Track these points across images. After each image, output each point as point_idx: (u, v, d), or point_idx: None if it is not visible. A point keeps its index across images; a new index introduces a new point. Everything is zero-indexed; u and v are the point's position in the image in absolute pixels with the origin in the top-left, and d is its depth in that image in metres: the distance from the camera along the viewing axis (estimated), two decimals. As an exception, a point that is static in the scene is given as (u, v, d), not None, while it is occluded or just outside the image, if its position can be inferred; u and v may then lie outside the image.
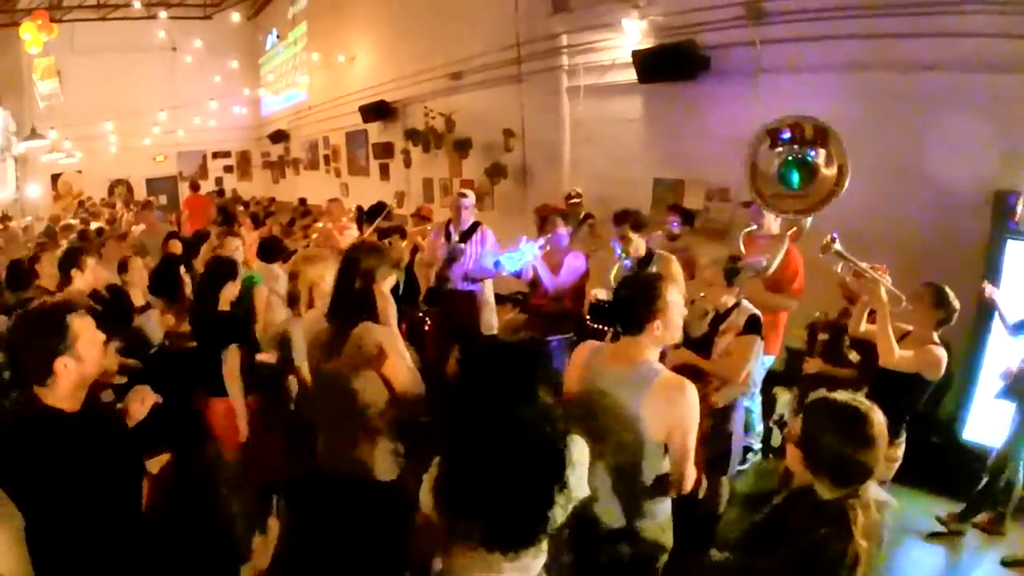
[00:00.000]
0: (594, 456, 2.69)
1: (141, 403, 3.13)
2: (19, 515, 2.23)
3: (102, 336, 2.78)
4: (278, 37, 22.09)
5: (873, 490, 2.59)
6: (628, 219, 5.64)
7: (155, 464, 2.85)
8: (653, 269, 5.39)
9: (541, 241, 6.37)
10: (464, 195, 7.04)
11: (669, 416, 2.96)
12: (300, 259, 4.94)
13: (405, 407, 3.37)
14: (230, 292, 4.91)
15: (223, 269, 5.00)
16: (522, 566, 2.47)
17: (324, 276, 4.53)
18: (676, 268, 5.49)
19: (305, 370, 4.18)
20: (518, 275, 6.54)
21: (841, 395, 2.59)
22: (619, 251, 5.74)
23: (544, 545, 2.50)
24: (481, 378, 2.49)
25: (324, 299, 3.93)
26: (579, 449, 2.51)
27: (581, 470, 2.49)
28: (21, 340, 2.66)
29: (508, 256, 6.36)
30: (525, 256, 6.26)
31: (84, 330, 2.67)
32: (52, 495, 2.45)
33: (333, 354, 3.40)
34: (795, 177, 5.11)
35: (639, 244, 5.68)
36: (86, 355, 2.65)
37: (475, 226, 6.92)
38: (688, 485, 3.09)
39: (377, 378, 3.31)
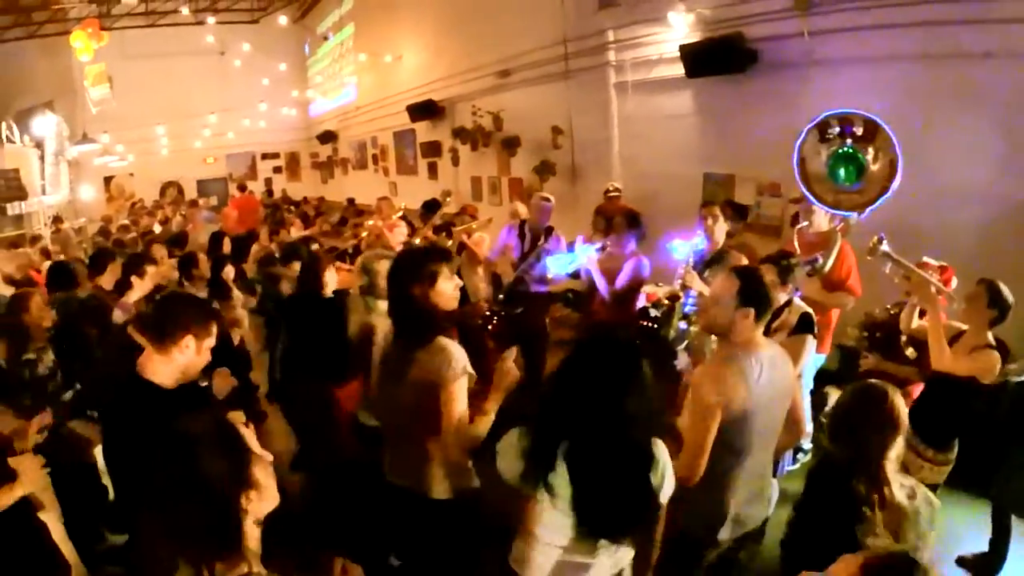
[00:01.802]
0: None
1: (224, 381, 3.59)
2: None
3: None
4: (324, 38, 22.29)
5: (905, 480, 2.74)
6: (724, 205, 5.62)
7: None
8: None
9: (599, 244, 6.24)
10: (547, 199, 7.07)
11: None
12: (370, 257, 4.96)
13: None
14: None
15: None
16: (612, 554, 2.69)
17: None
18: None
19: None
20: (575, 275, 6.46)
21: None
22: (702, 227, 5.70)
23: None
24: (594, 366, 2.60)
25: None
26: (661, 450, 2.65)
27: (668, 469, 2.65)
28: (169, 305, 3.08)
29: (556, 258, 6.29)
30: (577, 259, 6.16)
31: (214, 335, 3.07)
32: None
33: (401, 373, 3.29)
34: (843, 173, 5.04)
35: (722, 228, 5.63)
36: (204, 355, 3.03)
37: (550, 229, 6.96)
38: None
39: (438, 400, 3.14)
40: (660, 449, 2.63)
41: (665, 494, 2.65)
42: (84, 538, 4.51)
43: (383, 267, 4.44)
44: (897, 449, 2.75)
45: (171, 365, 2.93)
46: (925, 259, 4.81)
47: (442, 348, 3.17)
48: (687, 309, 5.43)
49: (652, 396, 2.57)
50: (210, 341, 3.03)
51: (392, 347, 3.40)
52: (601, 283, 6.05)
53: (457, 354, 3.17)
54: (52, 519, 4.28)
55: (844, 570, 1.83)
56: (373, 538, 3.77)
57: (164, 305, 3.07)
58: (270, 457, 1.93)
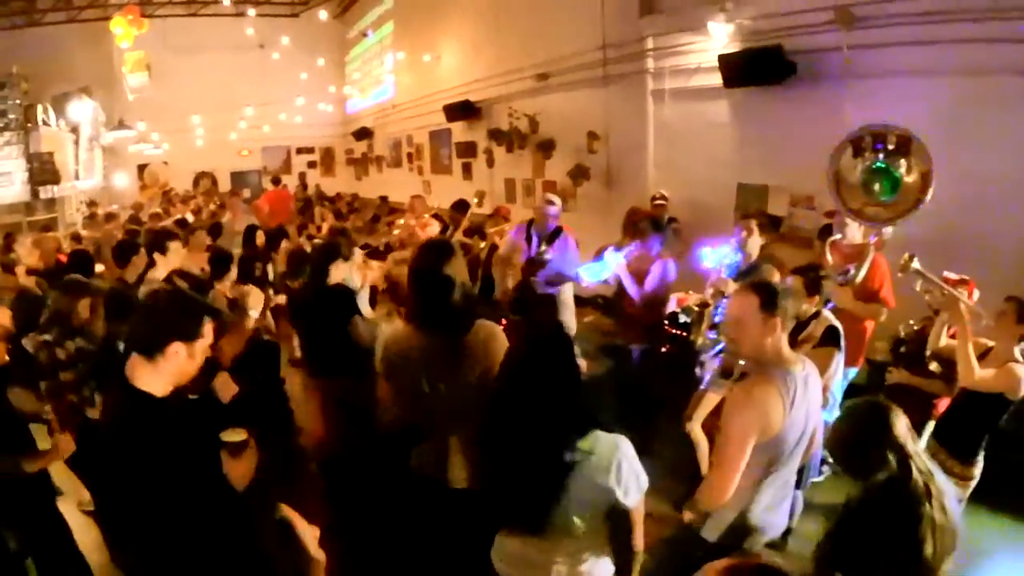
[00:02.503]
0: None
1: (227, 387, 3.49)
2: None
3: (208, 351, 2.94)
4: (363, 34, 22.43)
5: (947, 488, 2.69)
6: (759, 215, 5.66)
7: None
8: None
9: (626, 250, 6.33)
10: (551, 203, 6.97)
11: None
12: (393, 263, 4.97)
13: None
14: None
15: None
16: (573, 563, 2.70)
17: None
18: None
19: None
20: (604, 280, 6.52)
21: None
22: (739, 239, 5.75)
23: (592, 542, 2.70)
24: (519, 362, 2.71)
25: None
26: (614, 447, 2.63)
27: (614, 469, 2.60)
28: (156, 306, 2.88)
29: (589, 267, 6.36)
30: (608, 267, 6.25)
31: (209, 337, 2.84)
32: (149, 478, 2.58)
33: (453, 362, 3.26)
34: (877, 187, 5.08)
35: (756, 242, 5.68)
36: (197, 357, 2.81)
37: (558, 231, 6.88)
38: None
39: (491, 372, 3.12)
40: (608, 448, 2.61)
41: (632, 499, 2.63)
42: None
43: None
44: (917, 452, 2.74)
45: (160, 375, 2.72)
46: (946, 273, 4.84)
47: (483, 326, 3.28)
48: (717, 319, 5.48)
49: (567, 384, 2.62)
50: (204, 342, 2.82)
51: (423, 348, 3.33)
52: (632, 287, 6.16)
53: (494, 328, 3.32)
54: (70, 506, 4.39)
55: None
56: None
57: (147, 314, 2.85)
58: (316, 532, 1.91)
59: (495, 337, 3.24)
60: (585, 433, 2.60)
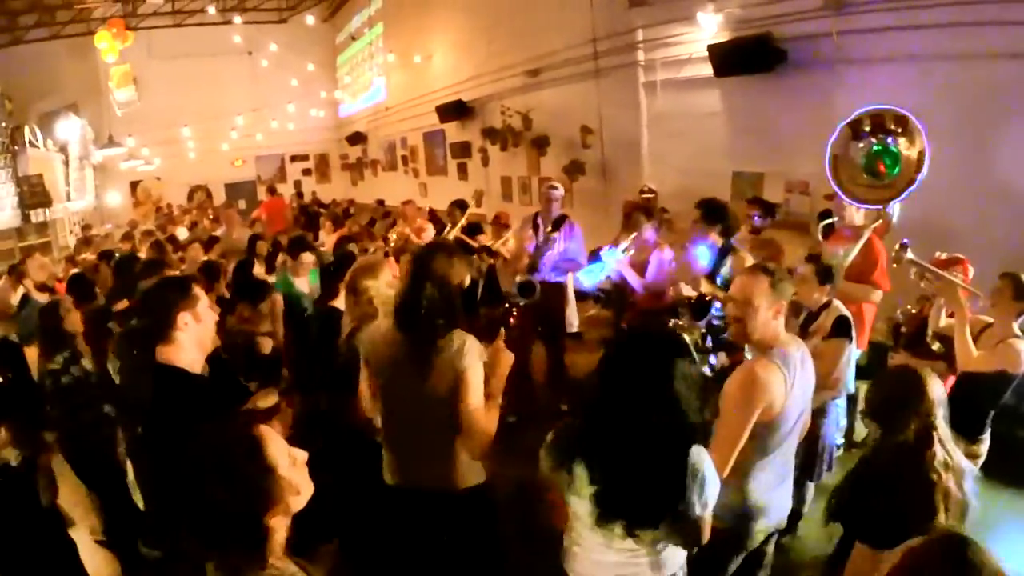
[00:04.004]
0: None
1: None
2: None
3: (215, 312, 3.18)
4: (353, 38, 22.40)
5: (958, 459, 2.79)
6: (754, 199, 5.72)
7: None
8: (728, 264, 5.41)
9: (623, 245, 6.35)
10: (554, 187, 7.15)
11: None
12: (356, 270, 4.86)
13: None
14: None
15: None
16: (659, 551, 2.72)
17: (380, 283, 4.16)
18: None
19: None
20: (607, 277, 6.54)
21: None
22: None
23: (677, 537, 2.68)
24: (625, 362, 2.65)
25: (386, 306, 3.70)
26: (702, 459, 2.61)
27: (710, 481, 2.60)
28: (151, 296, 3.11)
29: (588, 270, 6.38)
30: (607, 266, 6.28)
31: (203, 297, 3.09)
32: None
33: (419, 368, 3.20)
34: (883, 166, 5.10)
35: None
36: (205, 317, 3.03)
37: (562, 218, 6.96)
38: None
39: (458, 388, 3.14)
40: (701, 457, 2.61)
41: (705, 505, 2.61)
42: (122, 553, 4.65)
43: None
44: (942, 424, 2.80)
45: (185, 348, 2.96)
46: (937, 254, 4.87)
47: (455, 336, 3.18)
48: (715, 320, 5.45)
49: (694, 389, 2.58)
50: (204, 301, 3.06)
51: (397, 346, 3.30)
52: (635, 280, 6.19)
53: (471, 340, 3.19)
54: (82, 535, 4.40)
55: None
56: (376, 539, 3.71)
57: (143, 306, 3.15)
58: (304, 455, 1.89)
59: (468, 352, 3.14)
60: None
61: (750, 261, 5.27)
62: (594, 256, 6.82)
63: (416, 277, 3.25)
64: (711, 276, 5.43)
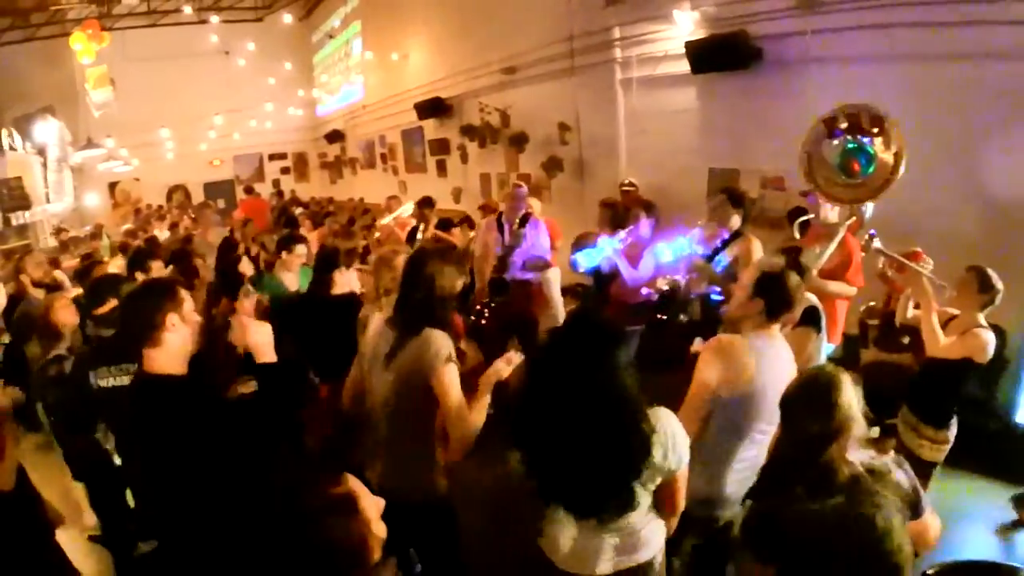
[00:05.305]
0: None
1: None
2: None
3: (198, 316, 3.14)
4: (329, 36, 22.35)
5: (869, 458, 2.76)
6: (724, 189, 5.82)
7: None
8: (732, 252, 5.46)
9: (621, 235, 6.39)
10: (520, 185, 7.24)
11: None
12: (377, 261, 4.92)
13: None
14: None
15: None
16: (630, 533, 2.72)
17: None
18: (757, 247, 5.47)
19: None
20: (597, 269, 6.55)
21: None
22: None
23: (647, 512, 2.73)
24: (561, 350, 2.67)
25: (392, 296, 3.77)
26: (664, 419, 2.66)
27: (668, 440, 2.63)
28: (135, 300, 3.08)
29: (585, 253, 6.42)
30: (603, 252, 6.32)
31: (188, 299, 3.06)
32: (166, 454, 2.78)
33: (392, 359, 3.30)
34: (856, 165, 5.17)
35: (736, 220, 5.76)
36: (190, 319, 3.02)
37: (526, 216, 6.99)
38: None
39: (430, 388, 3.20)
40: (661, 421, 2.63)
41: (676, 462, 2.65)
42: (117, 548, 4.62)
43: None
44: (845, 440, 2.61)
45: (171, 349, 2.94)
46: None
47: (428, 335, 3.23)
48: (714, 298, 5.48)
49: (627, 373, 2.60)
50: (188, 303, 3.04)
51: (382, 340, 3.41)
52: (628, 271, 6.22)
53: (441, 341, 3.23)
54: (73, 535, 4.38)
55: None
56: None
57: (128, 312, 3.06)
58: (382, 503, 1.81)
59: (429, 344, 3.21)
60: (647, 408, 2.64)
61: (758, 244, 5.41)
62: (578, 246, 6.83)
63: (410, 277, 3.37)
64: (710, 259, 5.48)
